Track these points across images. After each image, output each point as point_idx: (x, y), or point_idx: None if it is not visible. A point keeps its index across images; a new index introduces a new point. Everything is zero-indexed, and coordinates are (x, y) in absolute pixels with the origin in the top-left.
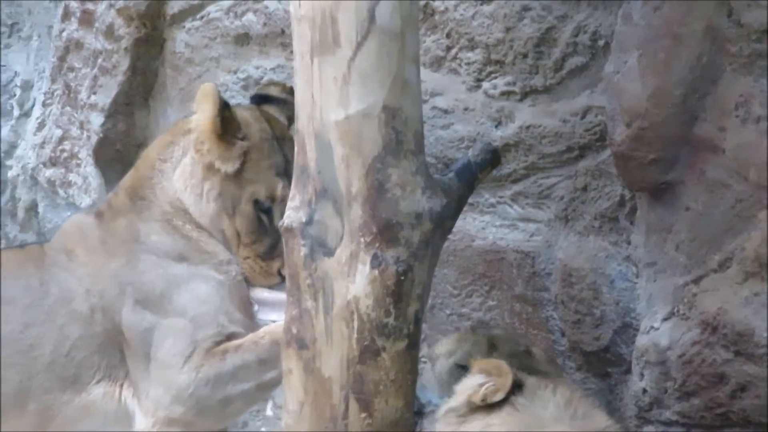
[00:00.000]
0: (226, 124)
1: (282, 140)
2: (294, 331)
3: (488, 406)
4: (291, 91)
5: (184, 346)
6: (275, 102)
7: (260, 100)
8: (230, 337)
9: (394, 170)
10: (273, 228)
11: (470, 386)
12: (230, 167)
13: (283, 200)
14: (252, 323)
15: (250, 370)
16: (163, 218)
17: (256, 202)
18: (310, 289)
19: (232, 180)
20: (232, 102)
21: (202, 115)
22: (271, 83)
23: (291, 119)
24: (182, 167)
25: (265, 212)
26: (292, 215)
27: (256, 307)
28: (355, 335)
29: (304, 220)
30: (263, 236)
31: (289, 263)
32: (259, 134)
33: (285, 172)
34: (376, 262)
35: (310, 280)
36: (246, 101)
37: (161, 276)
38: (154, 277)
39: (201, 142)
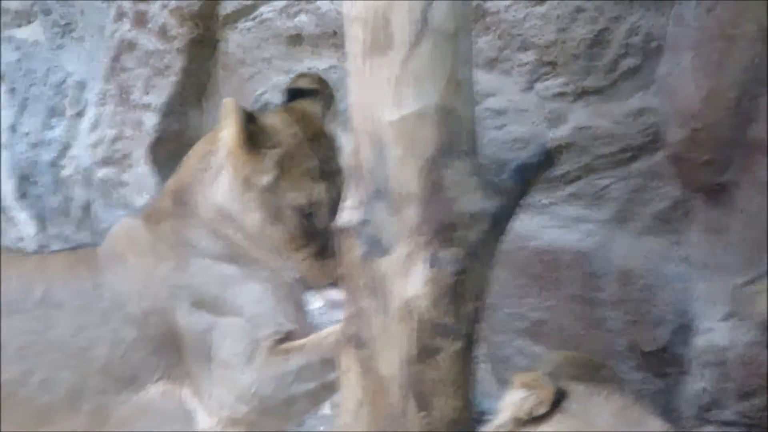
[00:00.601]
0: (254, 136)
1: (316, 140)
2: (352, 330)
3: (537, 418)
4: (321, 80)
5: (244, 346)
6: (308, 94)
7: (293, 95)
8: (289, 336)
9: (449, 171)
10: (320, 230)
11: (513, 402)
12: (265, 179)
13: (322, 205)
14: (309, 324)
15: (313, 370)
16: (209, 225)
17: (296, 209)
18: (367, 288)
19: (271, 190)
20: (268, 106)
21: (228, 132)
22: (301, 75)
23: (327, 108)
24: (221, 179)
25: (306, 217)
26: (347, 215)
27: (322, 307)
28: (414, 334)
29: (359, 220)
30: (313, 239)
31: (345, 263)
32: (290, 140)
33: (322, 174)
34: (432, 262)
35: (367, 279)
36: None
37: (214, 277)
38: (207, 279)
39: (232, 158)
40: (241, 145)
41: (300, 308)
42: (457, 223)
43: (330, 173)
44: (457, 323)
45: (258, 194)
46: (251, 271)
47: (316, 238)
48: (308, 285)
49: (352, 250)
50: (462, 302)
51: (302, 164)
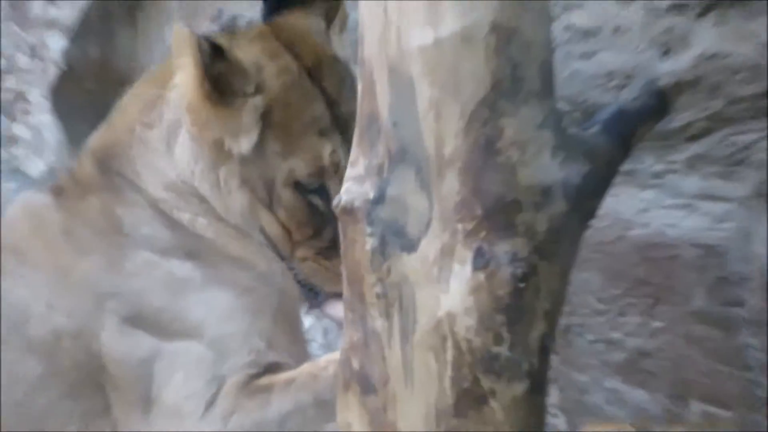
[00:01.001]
0: (223, 79)
1: (318, 72)
2: (355, 365)
3: None
4: None
5: (203, 384)
6: (300, 0)
7: (277, 2)
8: (271, 369)
9: (509, 121)
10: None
11: None
12: (245, 143)
13: (336, 170)
14: (306, 353)
15: (306, 417)
16: (157, 205)
17: (298, 185)
18: (380, 301)
19: (255, 158)
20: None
21: (184, 76)
22: None
23: (330, 19)
24: (178, 144)
25: (316, 193)
26: (352, 189)
27: (323, 325)
28: (449, 373)
29: (371, 196)
30: (322, 227)
31: (347, 262)
32: (278, 78)
33: (332, 125)
34: (481, 260)
35: (381, 287)
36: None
37: (160, 280)
38: (149, 283)
39: (193, 113)
40: (204, 96)
41: (293, 329)
42: (520, 200)
43: (343, 121)
44: (518, 355)
45: (237, 165)
46: (217, 273)
47: (328, 224)
48: (312, 293)
49: (359, 243)
50: (526, 323)
51: (300, 113)
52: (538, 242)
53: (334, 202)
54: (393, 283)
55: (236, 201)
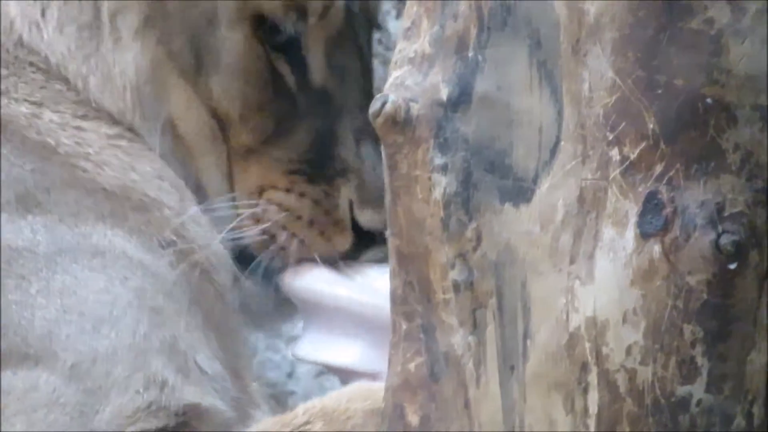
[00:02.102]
0: None
1: None
2: (411, 419)
3: None
4: None
5: None
6: None
7: None
8: (187, 421)
9: None
10: (315, 95)
11: None
12: None
13: (335, 11)
14: (251, 390)
15: None
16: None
17: (261, 24)
18: (462, 297)
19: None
20: None
21: None
22: None
23: None
24: None
25: (284, 51)
26: (407, 82)
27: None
28: None
29: (444, 95)
30: (291, 121)
31: (398, 221)
32: None
33: None
34: (655, 218)
35: (462, 270)
36: None
37: None
38: None
39: None
40: None
41: (226, 341)
42: (732, 107)
43: None
44: (724, 400)
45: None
46: (78, 232)
47: (302, 120)
48: (266, 279)
49: (419, 185)
50: (738, 339)
51: None
52: (763, 186)
53: (373, 105)
54: (486, 263)
55: (126, 61)
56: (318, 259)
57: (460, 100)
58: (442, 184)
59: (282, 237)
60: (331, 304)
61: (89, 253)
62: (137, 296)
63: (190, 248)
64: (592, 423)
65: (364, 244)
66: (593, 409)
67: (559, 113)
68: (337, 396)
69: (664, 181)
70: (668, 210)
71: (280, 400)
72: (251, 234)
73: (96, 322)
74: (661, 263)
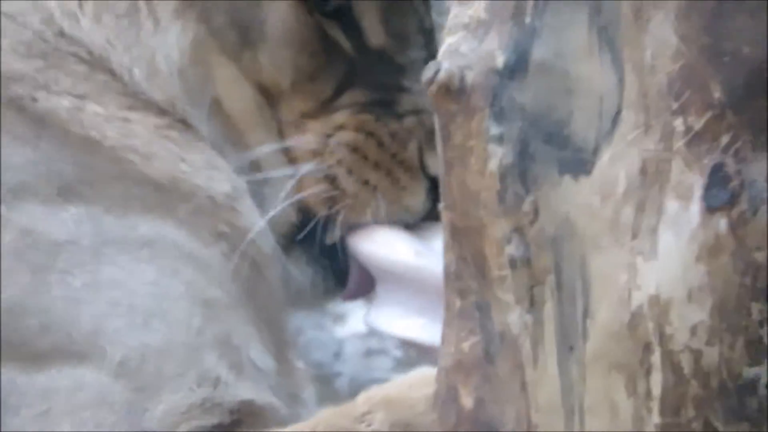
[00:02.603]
0: None
1: None
2: (465, 402)
3: None
4: None
5: None
6: None
7: None
8: (242, 418)
9: None
10: (374, 56)
11: None
12: None
13: None
14: (295, 369)
15: None
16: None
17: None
18: (518, 273)
19: None
20: None
21: None
22: None
23: None
24: None
25: (336, 17)
26: (462, 49)
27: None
28: (656, 418)
29: (500, 62)
30: (356, 82)
31: (451, 193)
32: None
33: None
34: (721, 192)
35: (518, 245)
36: None
37: (8, 252)
38: None
39: None
40: None
41: (277, 336)
42: None
43: None
44: None
45: None
46: (126, 224)
47: (370, 80)
48: (333, 253)
49: (473, 156)
50: None
51: None
52: None
53: (426, 72)
54: (543, 238)
55: (169, 45)
56: (388, 218)
57: (517, 67)
58: (498, 155)
59: (345, 181)
60: (410, 276)
61: (138, 243)
62: (189, 288)
63: (242, 239)
64: (655, 406)
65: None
66: (656, 391)
67: (620, 81)
68: (399, 384)
69: (731, 153)
70: (735, 183)
71: (326, 381)
72: (310, 170)
73: (146, 315)
74: (728, 238)
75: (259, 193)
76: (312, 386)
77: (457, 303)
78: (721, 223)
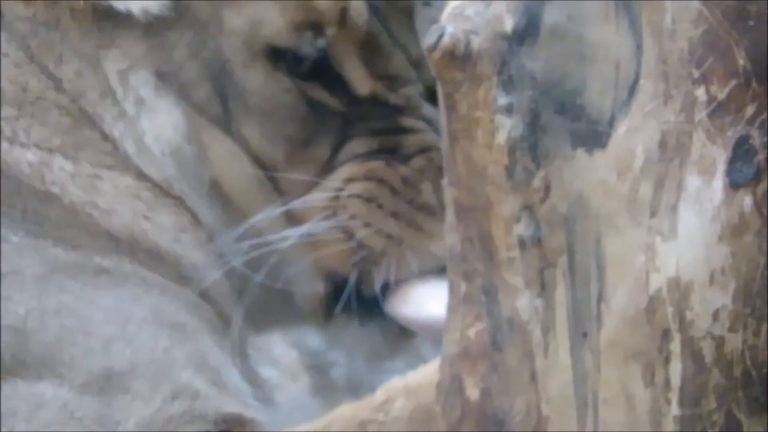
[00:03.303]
0: None
1: None
2: (471, 393)
3: None
4: None
5: None
6: None
7: None
8: (230, 427)
9: None
10: (367, 105)
11: None
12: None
13: (354, 16)
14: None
15: None
16: None
17: (274, 54)
18: (528, 254)
19: (178, 20)
20: None
21: None
22: None
23: None
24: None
25: (314, 77)
26: (467, 12)
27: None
28: (674, 409)
29: (508, 27)
30: (354, 137)
31: (456, 170)
32: None
33: None
34: (746, 166)
35: (528, 224)
36: None
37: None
38: None
39: None
40: None
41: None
42: None
43: None
44: None
45: (139, 44)
46: (103, 258)
47: (359, 135)
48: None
49: (480, 128)
50: None
51: None
52: None
53: (429, 37)
54: (555, 217)
55: (158, 125)
56: (420, 270)
57: (527, 32)
58: (507, 127)
59: (365, 236)
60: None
61: (93, 272)
62: (154, 313)
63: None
64: (674, 396)
65: None
66: (676, 381)
67: (638, 47)
68: (419, 372)
69: (757, 125)
70: (761, 157)
71: (321, 371)
72: (323, 228)
73: (105, 341)
74: (753, 217)
75: (264, 262)
76: (306, 376)
77: (463, 287)
78: (746, 200)
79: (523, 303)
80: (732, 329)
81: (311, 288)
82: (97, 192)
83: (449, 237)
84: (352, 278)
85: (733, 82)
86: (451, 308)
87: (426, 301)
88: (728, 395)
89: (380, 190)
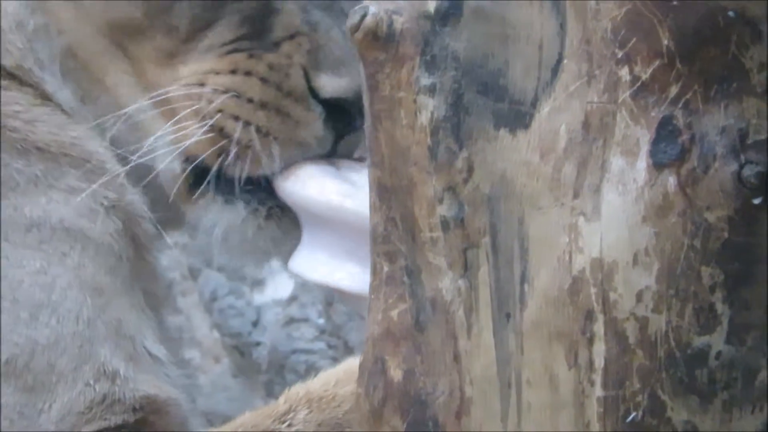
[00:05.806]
0: None
1: None
2: (393, 375)
3: None
4: None
5: None
6: None
7: None
8: (147, 414)
9: None
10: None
11: None
12: None
13: None
14: (187, 361)
15: None
16: None
17: None
18: (451, 235)
19: None
20: None
21: None
22: None
23: None
24: None
25: None
26: None
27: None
28: (599, 390)
29: (431, 7)
30: (219, 8)
31: (379, 149)
32: None
33: None
34: (670, 146)
35: (452, 205)
36: None
37: None
38: None
39: None
40: None
41: (167, 309)
42: (756, 21)
43: None
44: (746, 352)
45: None
46: (33, 206)
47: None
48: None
49: (403, 108)
50: (759, 285)
51: None
52: None
53: (351, 18)
54: (478, 197)
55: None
56: (284, 161)
57: (450, 12)
58: (429, 108)
59: (236, 131)
60: (336, 218)
61: (23, 227)
62: (77, 274)
63: (128, 215)
64: (597, 378)
65: (339, 124)
66: (599, 362)
67: (562, 27)
68: (323, 379)
69: (680, 105)
70: (685, 137)
71: (244, 352)
72: (195, 133)
73: (34, 308)
74: (677, 197)
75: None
76: (227, 358)
77: (385, 268)
78: (670, 180)
79: (446, 284)
80: (656, 310)
81: (171, 166)
82: (11, 100)
83: (372, 217)
84: (214, 167)
85: (657, 62)
86: (374, 289)
87: (318, 182)
88: (652, 376)
89: (247, 83)
